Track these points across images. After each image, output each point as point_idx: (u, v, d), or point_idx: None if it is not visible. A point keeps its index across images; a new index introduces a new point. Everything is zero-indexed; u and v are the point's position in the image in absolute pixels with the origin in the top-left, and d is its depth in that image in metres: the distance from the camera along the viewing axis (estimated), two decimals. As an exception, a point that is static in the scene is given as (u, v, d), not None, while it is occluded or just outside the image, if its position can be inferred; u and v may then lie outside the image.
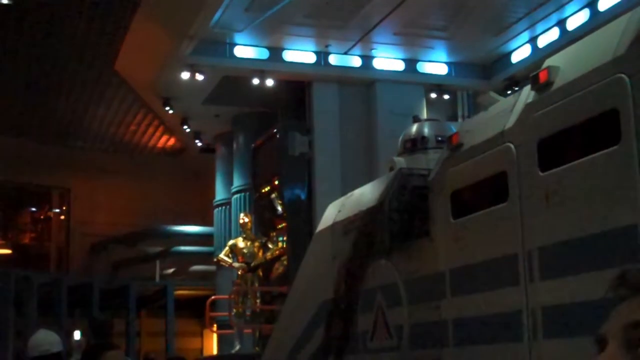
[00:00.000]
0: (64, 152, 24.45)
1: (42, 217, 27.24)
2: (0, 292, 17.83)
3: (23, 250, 26.10)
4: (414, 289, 7.02)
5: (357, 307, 7.91)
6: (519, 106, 6.01)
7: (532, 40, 16.69)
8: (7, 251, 25.60)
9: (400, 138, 8.68)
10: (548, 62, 5.83)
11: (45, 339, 6.44)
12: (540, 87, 5.75)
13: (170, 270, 23.41)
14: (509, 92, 15.59)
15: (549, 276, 5.44)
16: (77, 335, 14.65)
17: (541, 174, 5.58)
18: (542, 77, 5.75)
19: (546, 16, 15.96)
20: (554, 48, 15.49)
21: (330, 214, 8.92)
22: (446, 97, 17.73)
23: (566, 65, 5.66)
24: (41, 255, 26.03)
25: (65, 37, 17.62)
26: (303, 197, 16.89)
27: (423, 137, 8.47)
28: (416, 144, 8.44)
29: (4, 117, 22.23)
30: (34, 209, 27.29)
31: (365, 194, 8.25)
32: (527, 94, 6.00)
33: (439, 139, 8.26)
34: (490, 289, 5.92)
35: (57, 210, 26.59)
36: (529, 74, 6.16)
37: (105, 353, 4.75)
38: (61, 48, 18.10)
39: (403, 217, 7.37)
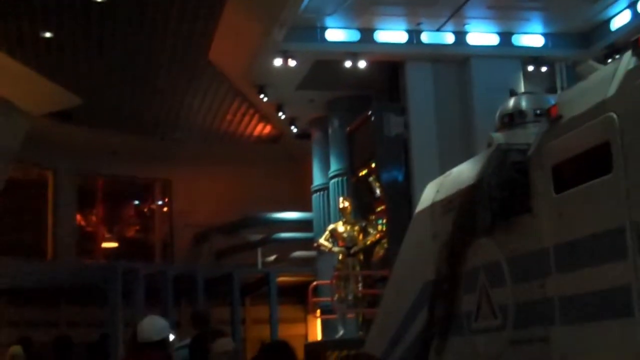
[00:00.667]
0: (163, 144, 24.84)
1: (145, 209, 27.77)
2: (108, 284, 18.25)
3: (128, 243, 26.67)
4: (517, 267, 6.83)
5: (460, 287, 7.76)
6: (620, 73, 5.76)
7: (632, 5, 16.12)
8: (114, 244, 26.21)
9: (497, 113, 8.47)
10: (650, 25, 5.57)
11: (149, 326, 6.56)
12: (642, 52, 5.50)
13: (272, 257, 23.52)
14: (609, 60, 15.07)
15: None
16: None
17: (647, 142, 5.34)
18: (644, 41, 5.50)
19: (646, -20, 15.39)
20: (655, 12, 15.00)
21: (429, 194, 8.79)
22: (544, 69, 17.28)
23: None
24: (146, 248, 26.54)
25: (158, 29, 17.85)
26: (401, 178, 16.73)
27: (521, 111, 8.23)
28: (514, 119, 8.22)
29: (103, 113, 22.70)
30: (137, 202, 27.83)
31: (464, 171, 8.09)
32: (628, 60, 5.74)
33: (537, 112, 8.01)
34: (597, 264, 5.70)
35: (160, 203, 27.05)
36: (630, 40, 5.90)
37: (217, 340, 4.80)
38: (154, 40, 18.34)
39: (503, 193, 7.20)
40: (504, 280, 6.99)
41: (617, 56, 14.37)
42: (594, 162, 5.99)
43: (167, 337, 6.52)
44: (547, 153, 6.53)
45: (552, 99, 8.31)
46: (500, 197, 7.21)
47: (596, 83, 6.22)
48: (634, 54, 5.53)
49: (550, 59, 17.52)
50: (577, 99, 6.35)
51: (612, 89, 5.75)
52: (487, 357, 7.29)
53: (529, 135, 7.68)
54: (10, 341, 12.69)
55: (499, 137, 7.97)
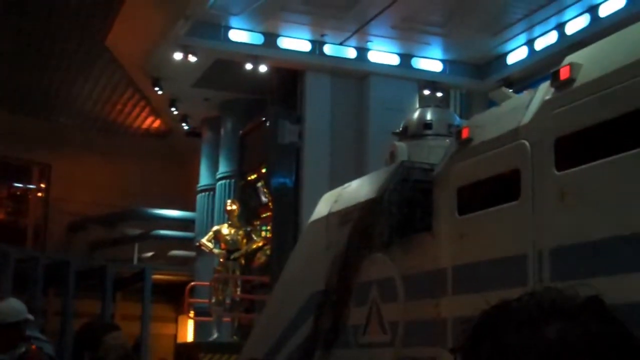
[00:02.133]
0: (46, 126, 24.05)
1: (19, 192, 26.83)
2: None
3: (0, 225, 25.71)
4: (412, 285, 6.83)
5: (349, 300, 7.72)
6: (536, 103, 5.83)
7: (530, 43, 16.55)
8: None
9: (403, 123, 8.51)
10: (569, 59, 5.66)
11: (5, 308, 6.44)
12: (561, 84, 5.58)
13: (149, 254, 23.14)
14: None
15: (558, 278, 5.27)
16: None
17: (557, 173, 5.42)
18: (564, 73, 5.57)
19: (545, 19, 15.82)
20: (551, 51, 15.40)
21: (326, 204, 8.72)
22: (439, 94, 17.57)
23: (589, 63, 5.49)
24: (17, 232, 25.62)
25: (57, 8, 17.29)
26: (290, 187, 16.67)
27: (426, 123, 8.30)
28: (419, 129, 8.28)
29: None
30: (12, 184, 26.86)
31: (365, 185, 8.06)
32: (545, 90, 5.83)
33: (443, 125, 8.12)
34: (496, 288, 5.74)
35: (36, 187, 26.19)
36: (525, 76, 6.02)
37: (108, 334, 4.57)
38: (51, 18, 17.75)
39: (403, 210, 7.20)
40: (397, 296, 6.99)
41: (511, 90, 14.78)
42: (501, 188, 6.05)
43: (24, 320, 6.47)
44: (453, 174, 6.56)
45: (457, 117, 8.44)
46: (400, 213, 7.21)
47: (510, 110, 6.28)
48: (553, 84, 5.61)
49: (446, 86, 17.84)
50: (489, 124, 6.41)
51: (526, 117, 5.82)
52: (371, 372, 7.26)
53: (432, 147, 7.76)
54: None
55: (402, 146, 8.00)
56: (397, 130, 8.56)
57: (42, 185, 25.89)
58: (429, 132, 8.29)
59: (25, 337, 6.60)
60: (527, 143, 5.69)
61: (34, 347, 6.90)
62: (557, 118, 5.53)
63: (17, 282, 18.07)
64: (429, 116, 8.47)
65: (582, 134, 5.34)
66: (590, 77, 5.33)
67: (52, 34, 18.48)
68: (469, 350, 1.35)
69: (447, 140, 7.41)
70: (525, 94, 6.29)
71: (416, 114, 8.55)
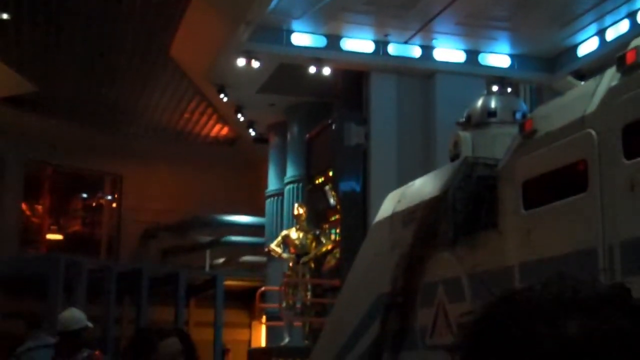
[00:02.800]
0: (116, 138, 24.35)
1: (94, 204, 27.23)
2: (49, 276, 17.73)
3: (74, 236, 26.11)
4: (479, 284, 6.61)
5: (416, 301, 7.54)
6: (602, 90, 5.59)
7: (600, 33, 16.07)
8: (59, 237, 25.62)
9: (466, 111, 8.30)
10: (636, 42, 5.40)
11: (68, 316, 7.41)
12: (627, 69, 5.33)
13: (221, 260, 23.21)
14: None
15: (629, 272, 5.01)
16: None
17: (626, 162, 5.16)
18: (630, 57, 5.33)
19: (616, 8, 15.35)
20: (623, 41, 14.92)
21: (390, 204, 8.55)
22: (508, 90, 17.18)
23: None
24: (92, 242, 26.01)
25: (120, 20, 17.44)
26: (358, 189, 16.50)
27: (490, 111, 8.07)
28: (483, 118, 8.04)
29: (59, 101, 22.21)
30: (86, 195, 27.29)
31: (428, 183, 7.88)
32: (611, 76, 5.57)
33: (508, 113, 7.88)
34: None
35: (109, 198, 26.54)
36: (596, 67, 5.77)
37: (163, 340, 4.46)
38: (116, 31, 17.93)
39: (468, 207, 7.01)
40: (464, 296, 6.78)
41: (583, 82, 14.39)
42: (568, 180, 5.81)
43: (84, 327, 7.34)
44: (518, 168, 6.35)
45: (524, 104, 8.19)
46: (465, 211, 7.03)
47: (575, 99, 6.05)
48: (619, 70, 5.35)
49: (516, 81, 17.45)
50: (553, 114, 6.18)
51: (592, 105, 5.58)
52: (441, 375, 7.06)
53: (497, 136, 7.54)
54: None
55: (466, 135, 7.79)
56: (461, 120, 8.35)
57: (115, 196, 26.20)
58: (493, 120, 8.07)
59: (85, 343, 7.41)
60: (593, 132, 5.46)
61: (97, 352, 7.74)
62: (624, 104, 5.29)
63: (91, 292, 18.25)
64: (493, 104, 8.26)
65: (652, 120, 5.08)
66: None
67: (117, 46, 18.67)
68: (470, 349, 1.15)
69: (513, 129, 7.16)
70: (591, 82, 6.03)
71: (480, 102, 8.34)
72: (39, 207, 25.84)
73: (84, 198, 27.30)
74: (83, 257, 19.69)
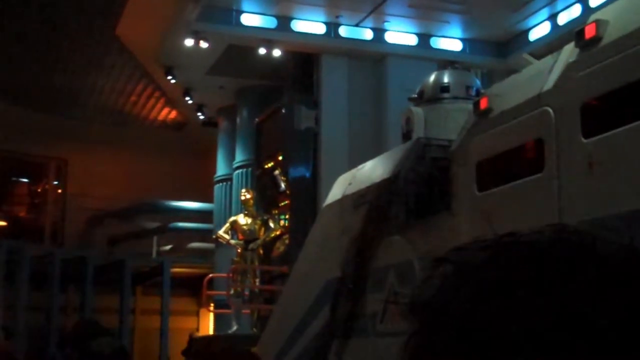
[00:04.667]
0: (61, 122, 23.74)
1: (38, 189, 26.61)
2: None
3: (17, 222, 25.47)
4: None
5: (366, 286, 7.31)
6: (559, 66, 5.37)
7: (552, 17, 16.00)
8: (2, 223, 24.97)
9: (419, 87, 8.08)
10: (595, 16, 5.19)
11: None
12: (586, 44, 5.11)
13: (168, 247, 22.85)
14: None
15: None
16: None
17: (584, 140, 4.95)
18: (589, 32, 5.10)
19: (568, -8, 15.29)
20: (574, 25, 14.84)
21: (340, 187, 8.30)
22: (459, 73, 17.07)
23: (617, 20, 5.01)
24: (36, 229, 25.41)
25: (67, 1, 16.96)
26: (308, 174, 16.28)
27: (443, 86, 7.86)
28: (436, 93, 7.83)
29: (1, 84, 21.56)
30: (30, 181, 26.65)
31: (379, 165, 7.64)
32: (569, 52, 5.36)
33: (461, 88, 7.69)
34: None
35: (55, 183, 25.94)
36: (548, 52, 5.58)
37: (97, 339, 4.24)
38: (60, 11, 17.41)
39: (420, 190, 6.79)
40: (416, 281, 6.55)
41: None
42: (524, 160, 5.61)
43: None
44: (472, 148, 6.13)
45: (478, 80, 8.00)
46: (417, 193, 6.82)
47: (531, 76, 5.84)
48: (577, 45, 5.13)
49: (467, 65, 17.19)
50: (508, 92, 5.97)
51: (549, 83, 5.36)
52: (391, 362, 6.83)
53: (449, 111, 7.34)
54: None
55: (418, 111, 7.58)
56: (413, 96, 8.13)
57: (59, 182, 25.62)
58: (446, 95, 7.87)
59: None
60: (550, 110, 5.25)
61: None
62: (582, 81, 5.08)
63: (35, 280, 17.79)
64: (445, 79, 8.05)
65: (611, 97, 4.89)
66: (618, 35, 4.87)
67: (60, 26, 18.15)
68: (437, 308, 0.85)
69: (466, 104, 6.95)
70: (548, 58, 5.82)
71: (432, 77, 8.12)
72: (-19, 192, 25.20)
73: (28, 183, 26.67)
74: (26, 243, 19.18)
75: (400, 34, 16.79)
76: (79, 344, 4.59)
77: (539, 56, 15.98)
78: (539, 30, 16.40)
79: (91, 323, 7.81)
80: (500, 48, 17.22)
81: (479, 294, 0.81)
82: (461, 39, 17.18)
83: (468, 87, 7.88)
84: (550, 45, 15.66)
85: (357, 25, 16.47)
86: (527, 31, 16.65)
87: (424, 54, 16.75)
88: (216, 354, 13.70)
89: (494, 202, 5.76)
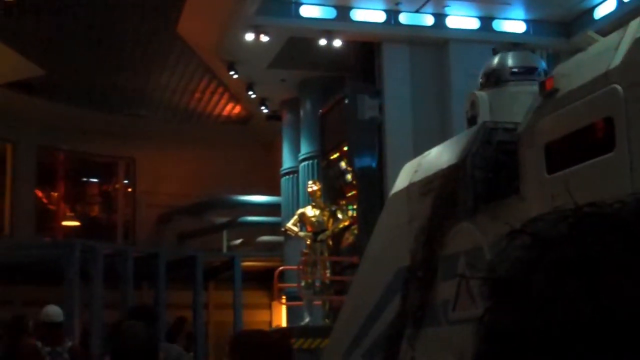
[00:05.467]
0: (128, 121, 24.10)
1: (109, 188, 27.03)
2: (65, 262, 17.53)
3: (90, 222, 25.92)
4: (502, 253, 6.30)
5: (436, 274, 7.24)
6: (626, 42, 5.23)
7: (618, -6, 15.67)
8: (75, 223, 25.45)
9: (482, 70, 7.96)
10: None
11: (55, 310, 8.85)
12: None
13: (238, 241, 22.99)
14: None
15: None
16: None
17: (656, 117, 4.82)
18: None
19: (634, -33, 14.93)
20: (640, 1, 14.54)
21: (406, 175, 8.23)
22: (524, 54, 16.82)
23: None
24: (108, 228, 25.83)
25: (127, 1, 17.17)
26: (373, 163, 16.22)
27: (507, 68, 7.73)
28: (500, 76, 7.70)
29: (67, 85, 21.96)
30: (100, 180, 27.09)
31: (445, 151, 7.55)
32: (635, 27, 5.22)
33: (526, 70, 7.55)
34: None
35: (125, 182, 26.33)
36: (614, 30, 5.43)
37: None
38: (121, 12, 17.64)
39: (488, 174, 6.69)
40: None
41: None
42: (593, 140, 5.48)
43: (62, 321, 9.01)
44: (539, 130, 6.01)
45: (543, 61, 7.85)
46: (484, 178, 6.72)
47: (597, 54, 5.70)
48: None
49: (531, 46, 16.95)
50: (575, 72, 5.84)
51: (616, 59, 5.22)
52: (465, 350, 6.75)
53: (514, 94, 7.21)
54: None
55: (482, 95, 7.47)
56: (480, 81, 8.03)
57: (129, 180, 26.00)
58: (510, 77, 7.74)
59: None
60: (619, 87, 5.11)
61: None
62: (652, 55, 4.94)
63: (108, 278, 18.07)
64: (510, 60, 7.91)
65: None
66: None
67: (124, 28, 18.38)
68: (512, 283, 0.81)
69: (532, 86, 6.82)
70: (614, 35, 5.67)
71: (496, 59, 7.99)
72: (54, 194, 25.67)
73: (99, 183, 27.12)
74: (99, 242, 19.49)
75: (462, 18, 16.62)
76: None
77: (604, 34, 15.69)
78: (605, 8, 16.05)
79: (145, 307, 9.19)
80: (564, 28, 16.91)
81: (557, 270, 0.77)
82: (524, 20, 16.94)
83: (533, 69, 7.74)
84: (616, 22, 15.33)
85: (417, 11, 16.36)
86: (591, 9, 16.32)
87: (486, 37, 16.53)
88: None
89: (565, 184, 5.65)
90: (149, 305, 14.98)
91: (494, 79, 7.74)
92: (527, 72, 7.66)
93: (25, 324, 10.06)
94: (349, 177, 16.85)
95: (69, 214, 25.75)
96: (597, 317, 0.73)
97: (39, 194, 24.79)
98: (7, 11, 17.46)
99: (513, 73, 7.72)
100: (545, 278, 0.77)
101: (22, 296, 20.61)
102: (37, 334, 8.98)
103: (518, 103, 6.85)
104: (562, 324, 0.75)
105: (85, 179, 26.86)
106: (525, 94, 6.73)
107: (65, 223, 25.21)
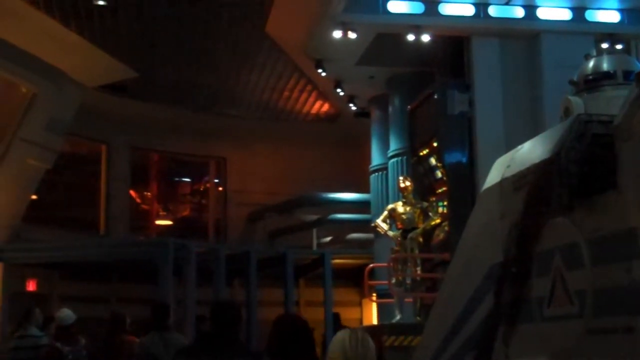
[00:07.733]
0: (218, 120, 24.40)
1: (201, 187, 27.43)
2: (159, 260, 17.82)
3: (182, 221, 26.36)
4: (599, 249, 6.13)
5: (531, 270, 7.10)
6: None
7: None
8: (168, 222, 25.92)
9: (577, 74, 7.77)
10: None
11: (68, 313, 10.14)
12: None
13: (328, 239, 23.05)
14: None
15: None
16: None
17: None
18: None
19: None
20: None
21: (498, 170, 8.10)
22: (619, 47, 16.33)
23: None
24: (200, 227, 26.22)
25: (214, 1, 17.35)
26: (464, 159, 16.06)
27: (603, 73, 7.52)
28: (595, 81, 7.50)
29: (158, 87, 22.35)
30: (191, 180, 27.51)
31: (538, 145, 7.40)
32: None
33: (622, 73, 7.32)
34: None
35: (216, 181, 26.67)
36: None
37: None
38: (210, 13, 17.86)
39: (583, 168, 6.53)
40: (583, 263, 6.32)
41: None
42: (696, 130, 5.29)
43: (74, 322, 10.20)
44: (636, 123, 5.82)
45: (637, 62, 7.63)
46: (580, 172, 6.56)
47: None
48: None
49: (626, 36, 16.64)
50: (674, 60, 5.64)
51: None
52: (561, 347, 6.61)
53: (611, 99, 7.02)
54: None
55: (577, 100, 7.28)
56: (574, 79, 7.83)
57: (220, 179, 26.32)
58: (606, 82, 7.53)
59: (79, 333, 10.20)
60: None
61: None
62: None
63: (201, 276, 18.30)
64: (605, 64, 7.69)
65: None
66: None
67: (212, 27, 18.61)
68: None
69: (627, 90, 6.63)
70: None
71: (591, 63, 7.79)
72: (148, 194, 26.17)
73: (191, 182, 27.53)
74: (191, 241, 19.77)
75: (553, 9, 16.33)
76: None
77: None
78: None
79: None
80: (661, 16, 16.47)
81: None
82: (618, 10, 16.54)
83: (629, 72, 7.52)
84: None
85: (506, 3, 16.13)
86: (689, -4, 15.85)
87: (579, 28, 16.23)
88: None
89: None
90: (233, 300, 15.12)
91: (589, 84, 7.56)
92: (623, 76, 7.43)
93: (123, 321, 10.31)
94: (439, 173, 16.70)
95: (161, 213, 26.23)
96: None
97: (133, 194, 25.30)
98: (98, 14, 17.84)
99: (608, 77, 7.51)
100: None
101: (118, 294, 21.11)
102: (55, 336, 10.32)
103: (614, 107, 6.66)
104: None
105: (177, 179, 27.31)
106: (621, 98, 6.54)
107: (158, 222, 25.70)
